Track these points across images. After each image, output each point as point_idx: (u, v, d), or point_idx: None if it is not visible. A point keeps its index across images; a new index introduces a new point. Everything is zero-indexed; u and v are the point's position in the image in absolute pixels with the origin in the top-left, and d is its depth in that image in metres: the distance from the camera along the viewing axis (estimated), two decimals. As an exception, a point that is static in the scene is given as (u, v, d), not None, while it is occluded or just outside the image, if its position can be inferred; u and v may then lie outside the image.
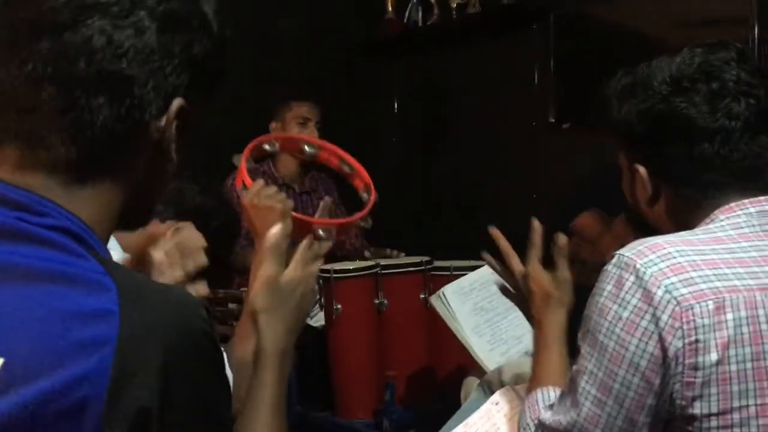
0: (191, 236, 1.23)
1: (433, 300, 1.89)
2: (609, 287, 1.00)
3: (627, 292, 0.98)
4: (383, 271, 2.35)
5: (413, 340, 2.33)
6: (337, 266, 2.39)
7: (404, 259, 2.48)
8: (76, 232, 0.70)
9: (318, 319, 2.78)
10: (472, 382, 1.69)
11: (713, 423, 0.95)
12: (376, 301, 2.33)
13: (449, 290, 1.87)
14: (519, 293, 1.37)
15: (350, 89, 3.50)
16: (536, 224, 1.36)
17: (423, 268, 2.37)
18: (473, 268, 2.09)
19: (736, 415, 0.95)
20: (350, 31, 3.59)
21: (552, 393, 1.17)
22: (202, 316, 0.69)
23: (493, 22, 3.17)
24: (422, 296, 2.31)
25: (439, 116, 3.53)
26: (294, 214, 1.85)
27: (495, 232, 1.41)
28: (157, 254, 1.17)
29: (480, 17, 3.20)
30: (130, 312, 0.64)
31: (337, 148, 2.14)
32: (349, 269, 2.36)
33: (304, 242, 1.14)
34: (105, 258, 0.70)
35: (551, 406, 1.10)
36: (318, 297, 2.76)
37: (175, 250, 1.19)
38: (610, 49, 2.73)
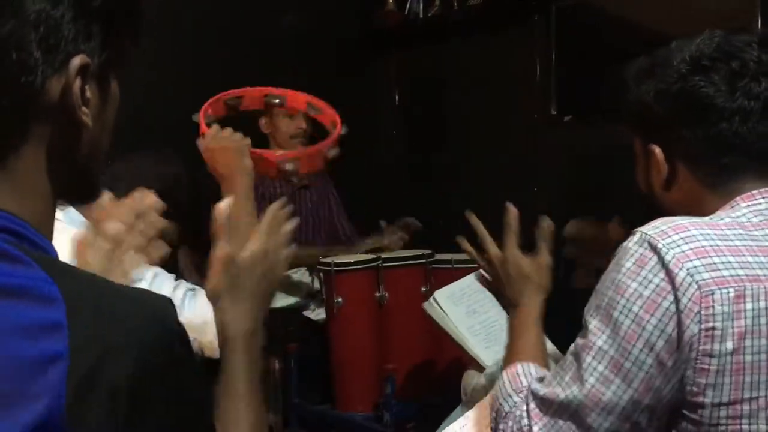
0: (143, 199, 1.10)
1: (426, 306, 1.88)
2: (628, 264, 0.98)
3: (650, 271, 0.96)
4: (384, 264, 2.34)
5: (414, 334, 2.32)
6: (338, 259, 2.39)
7: (405, 252, 2.47)
8: (13, 230, 0.62)
9: (318, 313, 2.77)
10: (472, 376, 1.68)
11: (722, 413, 0.94)
12: (377, 294, 2.33)
13: (441, 295, 1.86)
14: (496, 280, 1.34)
15: (351, 81, 3.48)
16: (511, 208, 1.33)
17: (424, 261, 2.36)
18: (474, 262, 2.08)
19: (745, 406, 0.94)
20: (351, 23, 3.58)
21: (533, 368, 1.15)
22: (165, 315, 0.63)
23: (494, 14, 3.16)
24: (423, 289, 2.30)
25: (441, 108, 3.51)
26: (252, 149, 1.82)
27: (472, 218, 1.38)
28: (111, 225, 1.06)
29: (481, 9, 3.19)
30: (80, 322, 0.57)
31: (299, 94, 2.14)
32: (350, 262, 2.35)
33: (269, 210, 1.04)
34: (49, 259, 0.62)
35: (542, 379, 1.08)
36: (317, 287, 2.77)
37: (131, 215, 1.08)
38: (612, 41, 2.72)
